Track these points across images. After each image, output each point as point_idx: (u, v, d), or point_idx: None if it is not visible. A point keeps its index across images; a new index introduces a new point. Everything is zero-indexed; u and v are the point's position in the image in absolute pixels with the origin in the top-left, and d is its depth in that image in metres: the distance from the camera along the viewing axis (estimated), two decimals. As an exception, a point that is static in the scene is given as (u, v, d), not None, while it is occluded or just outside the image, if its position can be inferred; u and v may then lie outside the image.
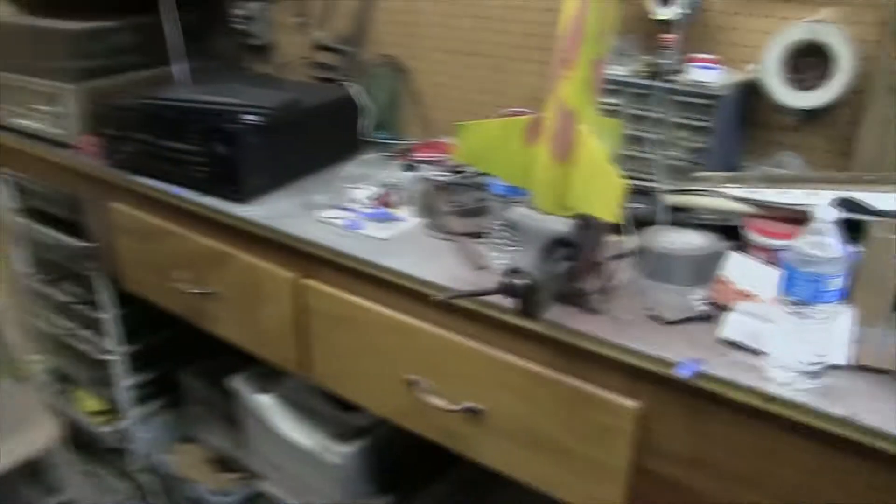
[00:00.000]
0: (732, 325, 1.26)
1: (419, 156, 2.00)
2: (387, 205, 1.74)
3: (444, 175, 1.84)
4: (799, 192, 1.50)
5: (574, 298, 1.35)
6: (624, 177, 1.10)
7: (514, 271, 1.20)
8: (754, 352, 1.22)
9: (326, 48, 2.33)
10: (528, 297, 1.20)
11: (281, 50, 2.49)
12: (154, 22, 2.12)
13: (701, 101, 1.55)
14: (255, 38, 2.47)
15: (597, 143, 1.14)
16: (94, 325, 2.45)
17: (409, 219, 1.69)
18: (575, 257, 1.26)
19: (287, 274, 1.71)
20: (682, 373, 1.19)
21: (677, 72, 1.60)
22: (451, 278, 1.45)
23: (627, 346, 1.25)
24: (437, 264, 1.51)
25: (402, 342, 1.54)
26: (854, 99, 1.54)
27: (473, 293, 1.29)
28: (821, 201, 1.45)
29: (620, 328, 1.29)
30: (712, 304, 1.35)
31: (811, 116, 1.61)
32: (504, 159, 1.26)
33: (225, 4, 2.45)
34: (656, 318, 1.32)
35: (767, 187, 1.52)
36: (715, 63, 1.58)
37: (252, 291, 1.79)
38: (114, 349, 2.44)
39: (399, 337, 1.54)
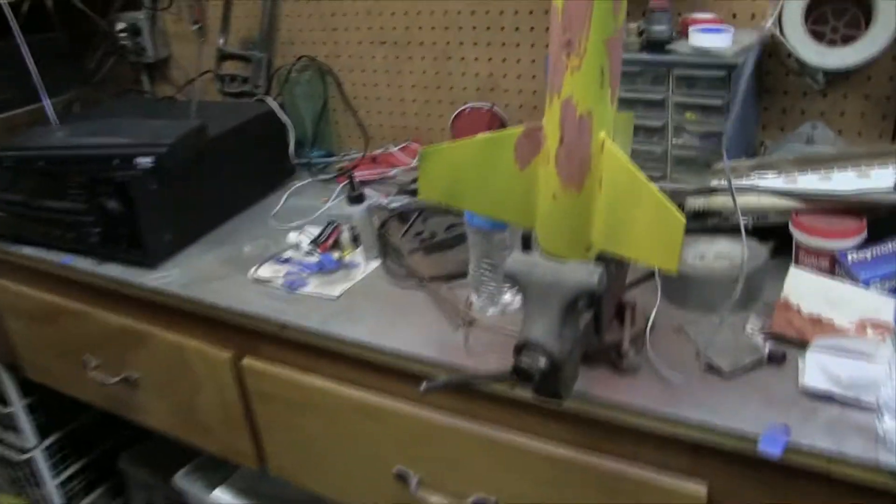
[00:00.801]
0: (815, 369, 0.95)
1: (364, 174, 1.65)
2: (334, 247, 1.39)
3: (399, 199, 1.50)
4: (846, 173, 1.19)
5: (602, 356, 1.03)
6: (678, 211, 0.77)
7: (526, 346, 0.87)
8: (855, 404, 0.91)
9: (233, 56, 1.95)
10: (548, 380, 0.87)
11: (180, 65, 2.09)
12: (9, 47, 1.68)
13: (711, 73, 1.23)
14: (145, 55, 2.07)
15: (627, 160, 0.81)
16: (3, 422, 2.05)
17: (363, 263, 1.34)
18: (599, 307, 0.93)
19: (222, 353, 1.36)
20: (770, 451, 0.88)
21: (675, 40, 1.27)
22: (428, 343, 1.12)
23: (684, 418, 0.94)
24: (408, 324, 1.17)
25: (379, 428, 1.21)
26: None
27: (471, 380, 0.96)
28: (882, 182, 1.16)
29: (669, 391, 0.98)
30: (775, 336, 1.04)
31: (841, 76, 1.30)
32: (487, 191, 0.92)
33: (99, 17, 2.03)
34: (712, 370, 1.00)
35: (806, 171, 1.21)
36: (720, 24, 1.26)
37: (182, 375, 1.44)
38: (31, 445, 2.05)
39: (374, 423, 1.21)
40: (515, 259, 0.91)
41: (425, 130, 1.79)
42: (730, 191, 1.18)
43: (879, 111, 1.32)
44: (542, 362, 0.85)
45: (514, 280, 0.90)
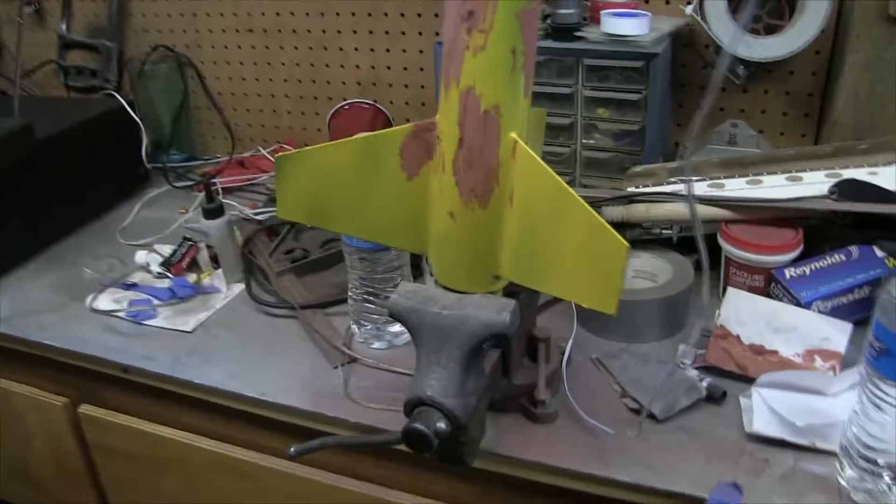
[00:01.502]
0: (763, 411, 0.81)
1: (227, 181, 1.42)
2: (190, 268, 1.16)
3: (269, 209, 1.28)
4: (776, 177, 1.06)
5: (512, 402, 0.85)
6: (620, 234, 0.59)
7: (421, 405, 0.68)
8: (810, 448, 0.77)
9: (78, 45, 1.69)
10: (449, 445, 0.69)
11: (14, 54, 1.80)
12: None
13: (627, 63, 1.07)
14: (-32, 42, 1.77)
15: (548, 168, 0.63)
16: None
17: (224, 288, 1.12)
18: (508, 349, 0.76)
19: (56, 400, 1.12)
20: (720, 518, 0.72)
21: (585, 25, 1.11)
22: (301, 387, 0.92)
23: (614, 478, 0.77)
24: (277, 362, 0.97)
25: (243, 488, 1.00)
26: (818, 42, 1.11)
27: (351, 444, 0.76)
28: (813, 187, 1.04)
29: (594, 443, 0.81)
30: (710, 369, 0.89)
31: (763, 71, 1.17)
32: (365, 208, 0.73)
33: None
34: (641, 414, 0.84)
35: (733, 176, 1.07)
36: (635, 8, 1.11)
37: (11, 424, 1.19)
38: None
39: (237, 481, 1.00)
40: (403, 293, 0.71)
41: (300, 130, 1.58)
42: (690, 198, 1.03)
43: (802, 109, 1.20)
44: (442, 425, 0.67)
45: (401, 321, 0.71)
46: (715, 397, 0.85)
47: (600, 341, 0.97)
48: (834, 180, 1.02)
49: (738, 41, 1.07)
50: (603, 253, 0.59)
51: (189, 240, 1.17)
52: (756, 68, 1.16)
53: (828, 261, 0.98)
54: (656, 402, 0.84)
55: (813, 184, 1.04)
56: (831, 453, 0.76)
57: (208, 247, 1.15)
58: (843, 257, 0.98)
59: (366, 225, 0.73)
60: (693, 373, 0.89)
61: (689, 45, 1.20)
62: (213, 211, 1.09)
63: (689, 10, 1.08)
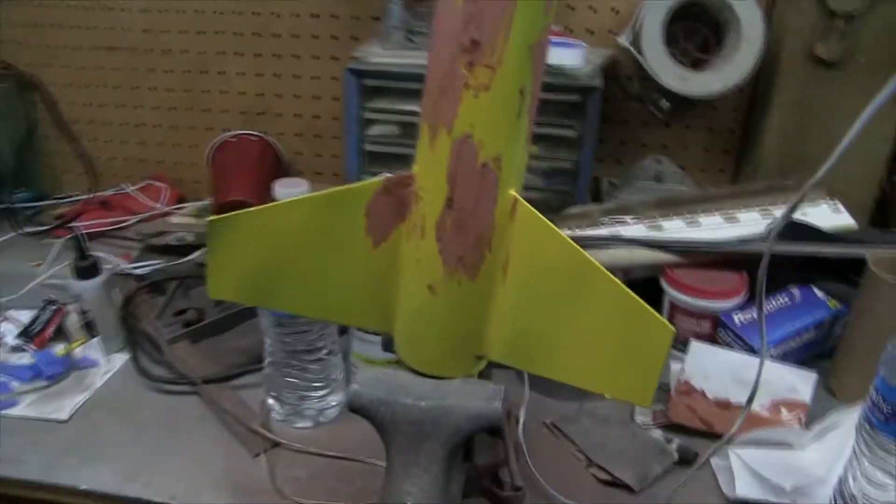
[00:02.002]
0: (744, 474, 0.75)
1: (89, 226, 1.22)
2: (56, 338, 0.97)
3: (147, 260, 1.11)
4: (713, 218, 1.02)
5: (473, 484, 0.74)
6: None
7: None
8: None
9: None
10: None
11: None
12: None
13: (564, 97, 0.99)
14: None
15: (559, 234, 0.52)
16: None
17: (103, 361, 0.94)
18: (502, 439, 0.65)
19: None
20: None
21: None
22: (217, 483, 0.77)
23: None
24: (181, 454, 0.81)
25: None
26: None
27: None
28: (750, 227, 1.00)
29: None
30: (673, 427, 0.82)
31: (686, 106, 1.13)
32: (320, 282, 0.59)
33: None
34: (617, 485, 0.75)
35: (670, 216, 1.02)
36: (567, 38, 1.03)
37: None
38: None
39: None
40: (366, 381, 0.59)
41: (172, 165, 1.39)
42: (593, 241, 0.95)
43: (722, 145, 1.18)
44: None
45: (367, 416, 0.58)
46: (687, 459, 0.78)
47: (551, 402, 0.88)
48: (769, 220, 0.99)
49: (674, 75, 1.01)
50: (640, 338, 0.50)
51: (52, 302, 0.98)
52: (679, 104, 1.11)
53: (773, 304, 0.95)
54: (627, 470, 0.76)
55: (749, 223, 1.00)
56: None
57: (79, 310, 0.96)
58: (787, 300, 0.96)
59: (320, 303, 0.59)
60: (657, 433, 0.82)
61: (610, 77, 1.14)
62: (87, 270, 0.91)
63: (623, 40, 1.01)
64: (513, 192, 0.53)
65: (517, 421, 0.81)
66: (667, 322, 0.49)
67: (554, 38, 0.99)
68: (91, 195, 1.33)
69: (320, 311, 0.61)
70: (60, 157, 1.43)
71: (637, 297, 0.50)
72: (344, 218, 0.56)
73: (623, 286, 0.50)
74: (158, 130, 1.38)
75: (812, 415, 0.81)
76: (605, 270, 0.50)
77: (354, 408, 0.58)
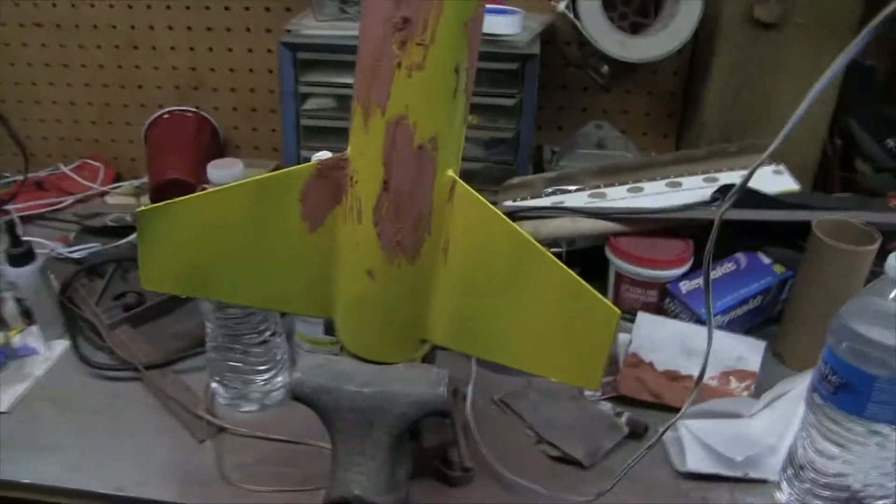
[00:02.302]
0: (696, 448, 0.75)
1: (23, 208, 1.19)
2: (-10, 326, 0.94)
3: (84, 243, 1.08)
4: (656, 184, 1.02)
5: (423, 464, 0.74)
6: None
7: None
8: (744, 480, 0.73)
9: None
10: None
11: None
12: None
13: (501, 66, 0.98)
14: None
15: (499, 216, 0.52)
16: None
17: (42, 348, 0.92)
18: (445, 429, 0.65)
19: None
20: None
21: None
22: (163, 471, 0.76)
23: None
24: (125, 442, 0.80)
25: None
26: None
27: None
28: (694, 192, 1.00)
29: (522, 502, 0.71)
30: (623, 400, 0.83)
31: (627, 70, 1.13)
32: (255, 270, 0.58)
33: None
34: (564, 461, 0.76)
35: (613, 184, 1.02)
36: (503, 4, 1.02)
37: None
38: None
39: None
40: (307, 369, 0.58)
41: (108, 143, 1.35)
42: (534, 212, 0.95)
43: (664, 109, 1.18)
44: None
45: (310, 404, 0.58)
46: (637, 433, 0.79)
47: (499, 377, 0.87)
48: (712, 185, 1.00)
49: (613, 41, 1.01)
50: (584, 320, 0.50)
51: (-14, 287, 0.95)
52: (619, 68, 1.11)
53: (719, 271, 0.96)
54: (577, 446, 0.76)
55: (693, 189, 1.01)
56: (762, 481, 0.73)
57: (17, 299, 0.93)
58: (733, 266, 0.96)
59: (258, 291, 0.58)
60: (607, 406, 0.82)
61: (548, 42, 1.13)
62: (21, 256, 0.88)
63: (560, 6, 1.00)
64: (451, 173, 0.52)
65: (464, 398, 0.81)
66: (611, 304, 0.49)
67: (490, 6, 0.98)
68: (25, 177, 1.28)
69: (259, 300, 0.60)
70: (-10, 138, 1.38)
71: (580, 279, 0.49)
72: (278, 204, 0.55)
73: (565, 268, 0.50)
74: (91, 108, 1.33)
75: (761, 383, 0.82)
76: (547, 252, 0.50)
77: (297, 396, 0.58)
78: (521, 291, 0.51)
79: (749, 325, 0.94)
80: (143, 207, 0.53)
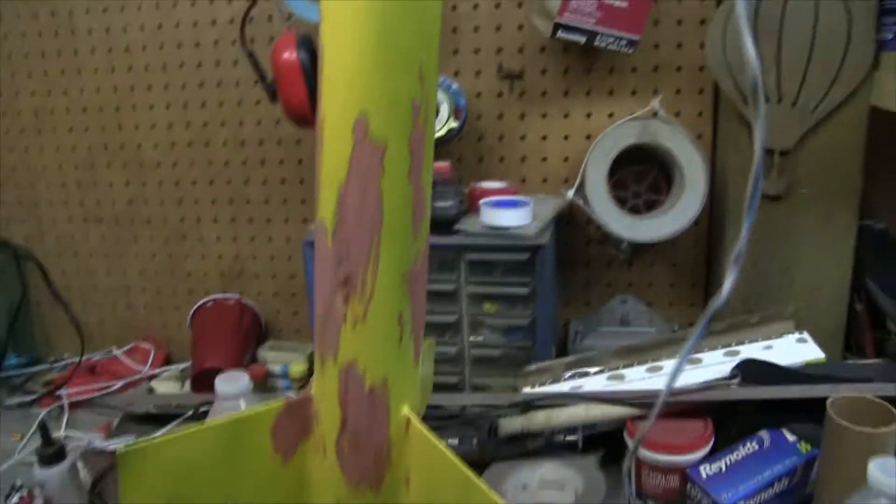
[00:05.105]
0: None
1: (76, 393, 1.25)
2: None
3: (126, 434, 1.12)
4: (674, 361, 1.01)
5: None
6: None
7: None
8: None
9: None
10: None
11: None
12: None
13: (512, 257, 1.01)
14: None
15: (445, 454, 0.53)
16: None
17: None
18: None
19: None
20: None
21: (465, 216, 1.05)
22: None
23: None
24: None
25: None
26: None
27: None
28: (714, 369, 0.99)
29: None
30: None
31: (646, 244, 1.14)
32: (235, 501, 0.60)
33: None
34: None
35: (632, 364, 1.02)
36: (515, 195, 1.06)
37: None
38: None
39: None
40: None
41: (159, 327, 1.44)
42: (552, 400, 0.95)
43: (688, 279, 1.18)
44: None
45: None
46: None
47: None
48: (733, 359, 0.99)
49: (622, 225, 1.03)
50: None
51: (19, 487, 0.99)
52: (639, 243, 1.13)
53: (741, 452, 0.92)
54: None
55: (713, 365, 1.00)
56: None
57: (46, 500, 0.97)
58: (756, 446, 0.93)
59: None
60: None
61: (569, 223, 1.16)
62: (51, 456, 0.93)
63: (569, 194, 1.04)
64: (405, 412, 0.54)
65: None
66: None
67: (499, 198, 1.02)
68: (80, 360, 1.35)
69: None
70: (52, 323, 1.48)
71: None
72: (251, 440, 0.57)
73: (489, 491, 0.50)
74: (144, 294, 1.42)
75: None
76: (492, 494, 0.50)
77: None
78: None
79: (779, 507, 0.90)
80: (122, 448, 0.57)
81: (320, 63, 0.50)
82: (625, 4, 0.97)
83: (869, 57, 0.98)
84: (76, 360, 1.36)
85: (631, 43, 0.99)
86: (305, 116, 1.04)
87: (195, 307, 1.31)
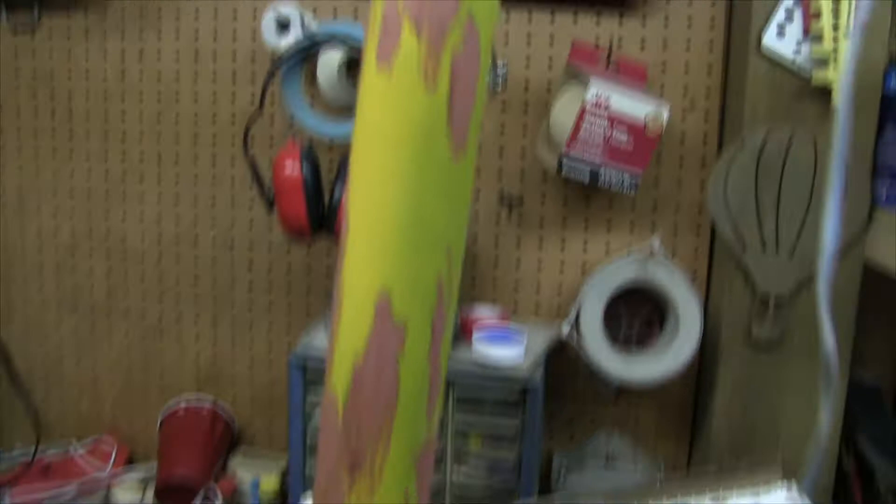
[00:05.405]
0: None
1: (22, 500, 1.18)
2: None
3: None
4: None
5: None
6: None
7: None
8: None
9: None
10: None
11: None
12: None
13: (501, 395, 0.98)
14: None
15: None
16: None
17: None
18: None
19: None
20: None
21: (456, 344, 1.03)
22: None
23: None
24: None
25: None
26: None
27: None
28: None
29: None
30: None
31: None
32: None
33: None
34: None
35: (618, 512, 0.98)
36: (508, 327, 1.04)
37: None
38: None
39: None
40: None
41: (125, 423, 1.37)
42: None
43: (674, 421, 1.16)
44: None
45: None
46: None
47: None
48: (720, 511, 0.96)
49: (615, 365, 1.01)
50: None
51: None
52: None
53: None
54: None
55: (700, 514, 0.97)
56: None
57: None
58: None
59: None
60: None
61: (559, 355, 1.14)
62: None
63: (564, 330, 1.02)
64: None
65: None
66: None
67: (492, 332, 1.00)
68: (32, 458, 1.28)
69: None
70: (9, 412, 1.40)
71: None
72: None
73: None
74: (112, 388, 1.36)
75: None
76: None
77: None
78: None
79: None
80: None
81: (344, 232, 0.48)
82: (630, 148, 0.97)
83: (864, 211, 0.99)
84: (29, 451, 1.29)
85: (633, 184, 0.99)
86: (301, 230, 1.02)
87: (167, 412, 1.26)
